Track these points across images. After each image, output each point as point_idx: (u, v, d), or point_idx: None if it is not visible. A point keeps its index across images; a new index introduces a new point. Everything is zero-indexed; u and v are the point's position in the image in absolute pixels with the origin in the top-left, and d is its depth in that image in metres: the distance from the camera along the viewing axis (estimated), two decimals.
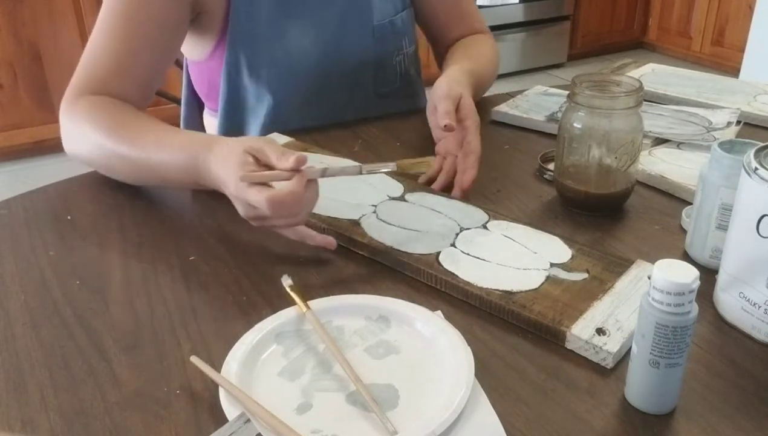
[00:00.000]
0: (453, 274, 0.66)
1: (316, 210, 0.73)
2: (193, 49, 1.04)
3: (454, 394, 0.52)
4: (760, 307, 0.58)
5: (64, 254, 0.73)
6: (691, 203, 0.75)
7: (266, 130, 1.04)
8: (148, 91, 0.92)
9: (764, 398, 0.54)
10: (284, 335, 0.59)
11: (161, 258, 0.72)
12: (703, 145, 0.92)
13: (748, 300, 0.59)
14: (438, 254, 0.69)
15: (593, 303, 0.61)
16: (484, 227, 0.74)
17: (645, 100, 0.93)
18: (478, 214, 0.77)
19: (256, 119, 1.05)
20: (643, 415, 0.52)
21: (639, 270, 0.66)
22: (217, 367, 0.54)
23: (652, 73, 1.23)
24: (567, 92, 0.91)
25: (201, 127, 1.18)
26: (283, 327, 0.59)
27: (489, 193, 0.85)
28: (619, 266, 0.67)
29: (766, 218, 0.56)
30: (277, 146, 0.69)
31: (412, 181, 0.84)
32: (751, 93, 1.13)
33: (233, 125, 1.06)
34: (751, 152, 0.58)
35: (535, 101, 1.11)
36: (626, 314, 0.60)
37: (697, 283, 0.48)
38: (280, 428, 0.48)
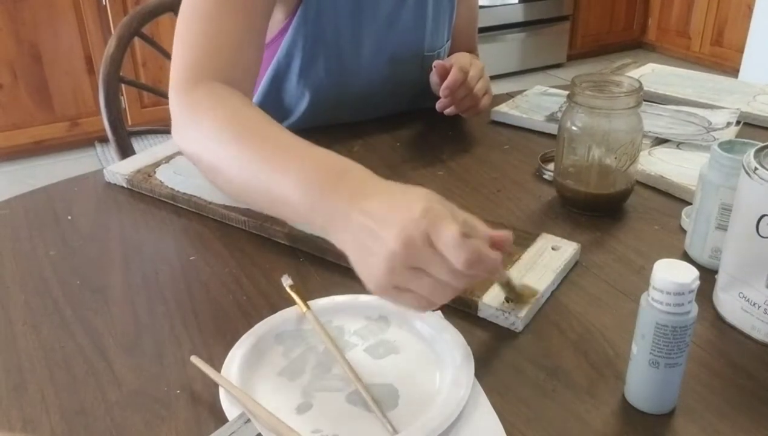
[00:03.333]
0: None
1: (234, 202, 0.77)
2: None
3: (454, 394, 0.52)
4: (760, 307, 0.58)
5: (64, 254, 0.73)
6: (690, 203, 0.76)
7: (296, 128, 1.04)
8: (255, 77, 0.83)
9: (764, 398, 0.54)
10: (284, 335, 0.59)
11: (161, 258, 0.72)
12: (703, 145, 0.92)
13: (748, 300, 0.59)
14: None
15: None
16: None
17: (645, 100, 0.93)
18: None
19: (290, 116, 1.06)
20: (643, 415, 0.52)
21: (543, 242, 0.71)
22: (217, 367, 0.54)
23: (651, 73, 1.23)
24: (567, 92, 0.91)
25: None
26: (283, 327, 0.59)
27: (489, 193, 0.85)
28: (525, 239, 0.72)
29: (766, 218, 0.56)
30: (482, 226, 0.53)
31: None
32: (751, 93, 1.13)
33: (277, 101, 1.05)
34: (751, 152, 0.58)
35: (535, 101, 1.11)
36: (532, 282, 0.65)
37: (697, 283, 0.48)
38: (280, 428, 0.48)
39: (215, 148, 0.67)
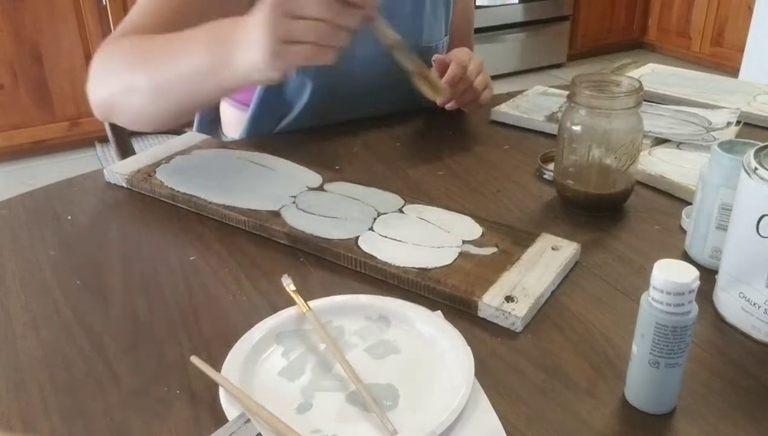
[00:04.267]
0: (372, 256, 0.69)
1: (235, 202, 0.78)
2: None
3: (454, 394, 0.52)
4: (760, 307, 0.58)
5: (64, 254, 0.73)
6: (691, 203, 0.75)
7: (298, 123, 1.05)
8: None
9: (764, 398, 0.54)
10: (284, 335, 0.59)
11: (161, 258, 0.72)
12: (703, 145, 0.92)
13: (748, 300, 0.59)
14: (357, 238, 0.72)
15: (502, 274, 0.66)
16: (400, 211, 0.78)
17: (645, 100, 0.93)
18: (394, 200, 0.80)
19: (291, 110, 1.06)
20: (643, 415, 0.52)
21: (543, 242, 0.71)
22: (217, 367, 0.54)
23: (652, 73, 1.23)
24: (567, 92, 0.91)
25: (216, 120, 1.18)
26: (283, 327, 0.59)
27: (489, 193, 0.85)
28: (525, 239, 0.71)
29: (766, 218, 0.56)
30: None
31: (330, 172, 0.87)
32: (751, 93, 1.13)
33: (268, 112, 1.06)
34: (751, 152, 0.58)
35: (535, 101, 1.11)
36: (532, 282, 0.65)
37: (697, 283, 0.48)
38: (280, 428, 0.48)
39: (125, 71, 0.79)
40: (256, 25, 0.64)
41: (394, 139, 1.01)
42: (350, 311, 0.62)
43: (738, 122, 0.99)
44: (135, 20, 0.85)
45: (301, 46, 0.62)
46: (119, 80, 0.80)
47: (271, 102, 1.05)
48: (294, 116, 1.05)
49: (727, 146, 0.66)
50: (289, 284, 0.62)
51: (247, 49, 0.66)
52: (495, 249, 0.70)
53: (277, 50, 0.63)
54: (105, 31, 2.75)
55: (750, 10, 3.38)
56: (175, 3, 0.84)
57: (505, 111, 1.07)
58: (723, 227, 0.65)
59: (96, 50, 0.84)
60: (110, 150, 2.76)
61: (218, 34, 0.70)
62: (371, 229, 0.74)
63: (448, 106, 0.98)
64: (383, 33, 0.71)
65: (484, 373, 0.55)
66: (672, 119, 1.00)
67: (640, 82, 0.75)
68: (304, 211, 0.77)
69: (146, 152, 0.93)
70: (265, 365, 0.56)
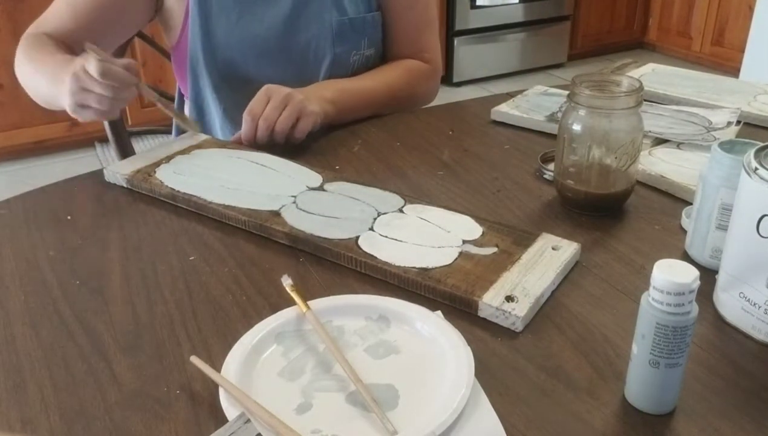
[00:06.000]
0: (372, 256, 0.69)
1: (235, 202, 0.79)
2: (166, 35, 1.11)
3: (454, 394, 0.52)
4: (760, 307, 0.58)
5: (64, 254, 0.73)
6: (691, 203, 0.75)
7: (227, 118, 1.10)
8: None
9: (764, 398, 0.54)
10: (284, 335, 0.59)
11: (161, 258, 0.72)
12: (703, 145, 0.92)
13: (748, 300, 0.59)
14: (357, 238, 0.72)
15: (502, 274, 0.66)
16: (401, 210, 0.78)
17: (645, 100, 0.93)
18: (394, 200, 0.80)
19: (216, 107, 1.10)
20: (643, 415, 0.52)
21: (544, 242, 0.71)
22: (217, 367, 0.54)
23: (652, 73, 1.23)
24: (567, 92, 0.91)
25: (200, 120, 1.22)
26: (283, 327, 0.59)
27: (489, 193, 0.85)
28: (526, 239, 0.71)
29: (766, 218, 0.56)
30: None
31: (330, 172, 0.87)
32: (751, 93, 1.13)
33: (200, 112, 1.12)
34: (751, 152, 0.58)
35: (535, 101, 1.11)
36: (532, 281, 0.65)
37: (697, 283, 0.48)
38: (280, 428, 0.48)
39: (20, 69, 1.00)
40: (65, 84, 0.83)
41: (395, 139, 1.01)
42: (350, 311, 0.62)
43: (738, 122, 0.99)
44: (49, 20, 1.02)
45: (91, 110, 0.85)
46: (20, 71, 1.01)
47: (197, 101, 1.13)
48: (222, 110, 1.10)
49: (728, 146, 0.66)
50: (289, 284, 0.62)
51: (63, 97, 0.85)
52: (495, 249, 0.70)
53: (75, 109, 0.85)
54: None
55: (750, 9, 3.38)
56: (78, 7, 1.00)
57: (505, 111, 1.06)
58: (723, 227, 0.65)
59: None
60: (110, 150, 2.75)
61: (58, 74, 0.88)
62: (371, 229, 0.74)
63: (249, 144, 0.95)
64: (148, 94, 0.90)
65: (484, 373, 0.55)
66: (672, 119, 1.00)
67: (640, 82, 0.75)
68: (304, 211, 0.77)
69: (146, 152, 0.93)
70: (264, 365, 0.56)
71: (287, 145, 0.95)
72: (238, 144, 0.95)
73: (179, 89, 1.24)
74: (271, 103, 0.93)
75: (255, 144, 0.94)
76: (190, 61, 1.07)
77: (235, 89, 1.09)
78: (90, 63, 0.80)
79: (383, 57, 1.20)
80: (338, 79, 1.09)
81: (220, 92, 1.09)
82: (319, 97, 0.99)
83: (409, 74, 1.16)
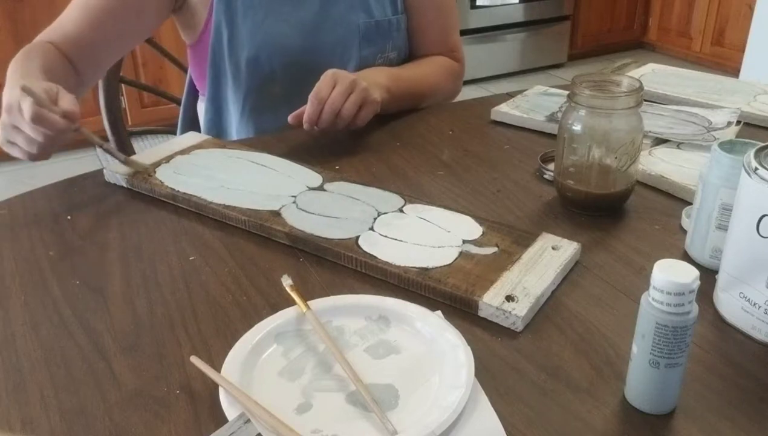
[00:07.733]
0: (372, 255, 0.69)
1: (235, 202, 0.78)
2: (185, 32, 1.08)
3: (454, 394, 0.52)
4: (760, 307, 0.58)
5: (64, 254, 0.73)
6: (691, 203, 0.75)
7: (245, 118, 1.09)
8: (96, 65, 1.02)
9: (764, 398, 0.54)
10: (284, 335, 0.59)
11: (161, 258, 0.72)
12: (703, 145, 0.92)
13: (748, 300, 0.59)
14: (357, 237, 0.72)
15: (503, 274, 0.66)
16: (401, 210, 0.78)
17: (645, 100, 0.93)
18: (394, 199, 0.80)
19: (236, 106, 1.08)
20: (643, 415, 0.52)
21: (544, 242, 0.71)
22: (217, 367, 0.54)
23: (652, 73, 1.23)
24: (567, 92, 0.91)
25: (196, 116, 1.20)
26: (283, 327, 0.59)
27: (489, 193, 0.85)
28: (526, 238, 0.71)
29: (766, 218, 0.56)
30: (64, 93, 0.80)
31: (330, 172, 0.87)
32: (751, 93, 1.13)
33: (217, 111, 1.10)
34: (751, 152, 0.58)
35: (535, 101, 1.11)
36: (532, 281, 0.65)
37: (697, 283, 0.48)
38: (280, 428, 0.48)
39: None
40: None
41: (395, 139, 1.01)
42: (350, 311, 0.62)
43: (738, 122, 0.99)
44: (63, 24, 0.99)
45: (18, 148, 0.80)
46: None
47: (215, 101, 1.11)
48: (240, 111, 1.08)
49: (728, 146, 0.66)
50: (289, 284, 0.62)
51: None
52: (495, 249, 0.70)
53: (5, 145, 0.81)
54: None
55: (750, 9, 3.38)
56: (93, 12, 0.98)
57: (505, 111, 1.06)
58: (723, 227, 0.65)
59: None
60: None
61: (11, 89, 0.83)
62: (371, 229, 0.74)
63: (310, 128, 0.94)
64: (90, 138, 0.84)
65: (484, 373, 0.55)
66: (672, 119, 1.00)
67: (640, 82, 0.75)
68: (304, 211, 0.77)
69: (146, 152, 0.93)
70: (264, 365, 0.56)
71: (287, 145, 0.95)
72: (297, 124, 0.93)
73: (188, 89, 1.22)
74: (338, 88, 0.92)
75: (314, 127, 0.93)
76: (212, 59, 1.06)
77: (258, 90, 1.07)
78: (24, 104, 0.74)
79: (408, 59, 1.20)
80: (383, 66, 1.09)
81: (242, 92, 1.08)
82: (377, 84, 1.00)
83: (446, 70, 1.18)
